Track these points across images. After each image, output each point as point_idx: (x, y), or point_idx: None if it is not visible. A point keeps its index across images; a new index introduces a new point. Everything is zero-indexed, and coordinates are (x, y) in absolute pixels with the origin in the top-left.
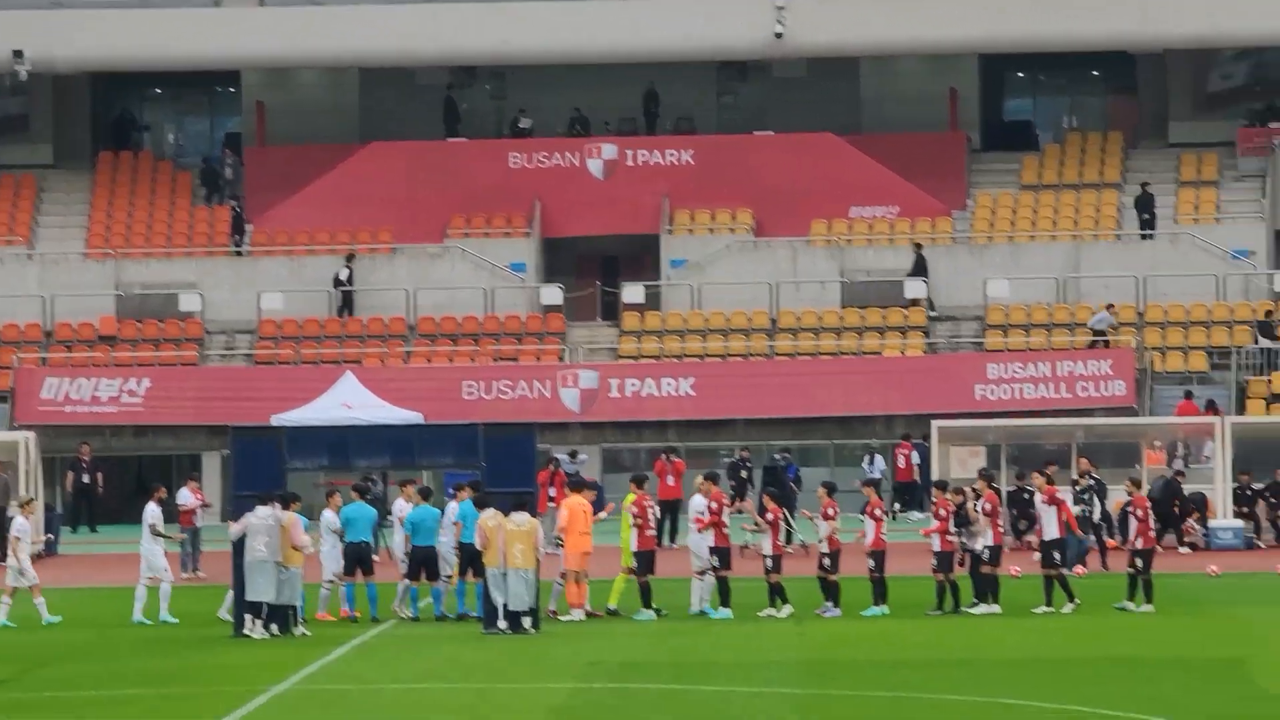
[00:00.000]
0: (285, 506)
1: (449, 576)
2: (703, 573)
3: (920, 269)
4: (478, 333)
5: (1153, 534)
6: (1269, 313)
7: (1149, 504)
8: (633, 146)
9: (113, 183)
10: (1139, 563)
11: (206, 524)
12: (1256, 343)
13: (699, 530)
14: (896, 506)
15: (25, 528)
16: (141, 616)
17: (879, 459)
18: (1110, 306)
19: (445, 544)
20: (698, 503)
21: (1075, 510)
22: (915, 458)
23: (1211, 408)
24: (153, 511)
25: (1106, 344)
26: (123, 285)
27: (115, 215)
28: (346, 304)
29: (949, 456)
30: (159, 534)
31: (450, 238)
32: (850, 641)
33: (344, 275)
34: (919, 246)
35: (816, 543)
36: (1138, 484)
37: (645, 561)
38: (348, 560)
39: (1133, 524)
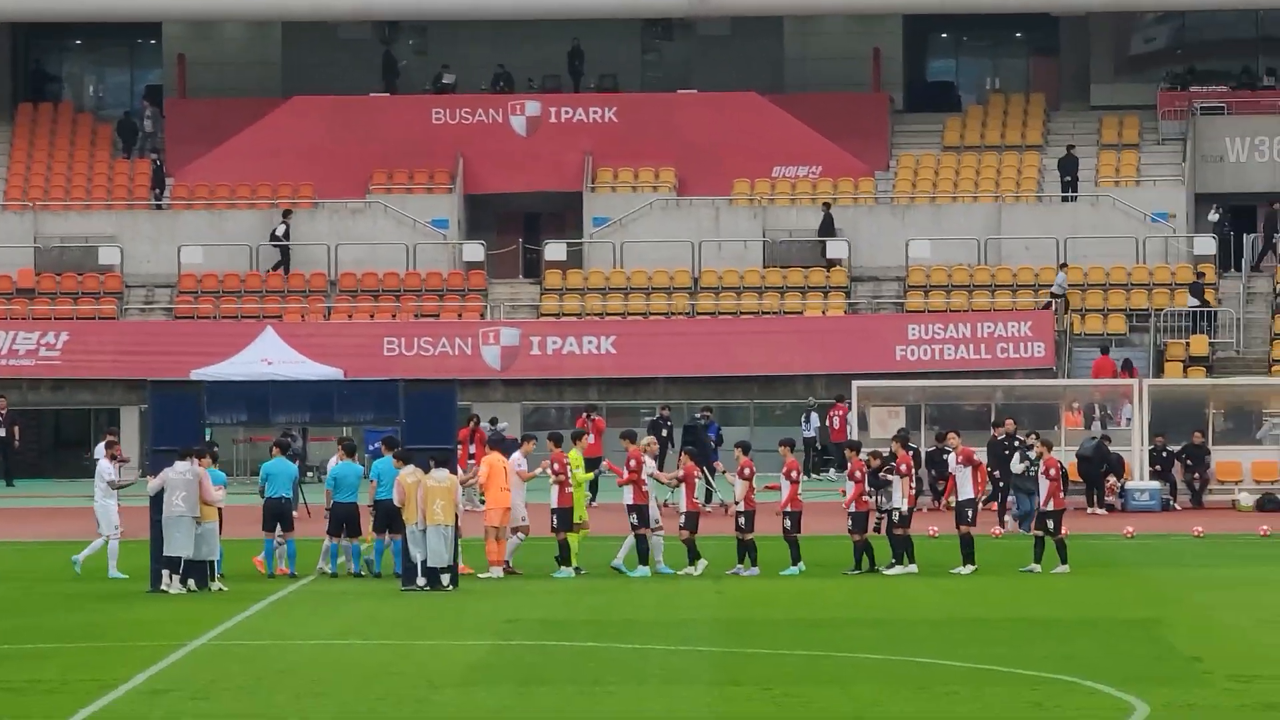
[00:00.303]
0: (201, 461)
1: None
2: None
3: (828, 228)
4: (399, 289)
5: (1063, 495)
6: (1201, 274)
7: (1060, 465)
8: (556, 104)
9: (32, 135)
10: (1049, 524)
11: (124, 479)
12: (1187, 304)
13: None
14: (832, 471)
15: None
16: (118, 572)
17: (814, 417)
18: (1064, 266)
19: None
20: (648, 464)
21: (1019, 468)
22: (852, 418)
23: (1128, 368)
24: (107, 467)
25: (1067, 305)
26: (41, 238)
27: (34, 168)
28: (284, 259)
29: (869, 417)
30: (117, 488)
31: (372, 193)
32: (767, 600)
33: (280, 231)
34: (827, 206)
35: (733, 502)
36: (1049, 445)
37: (564, 519)
38: (266, 516)
39: (1044, 485)
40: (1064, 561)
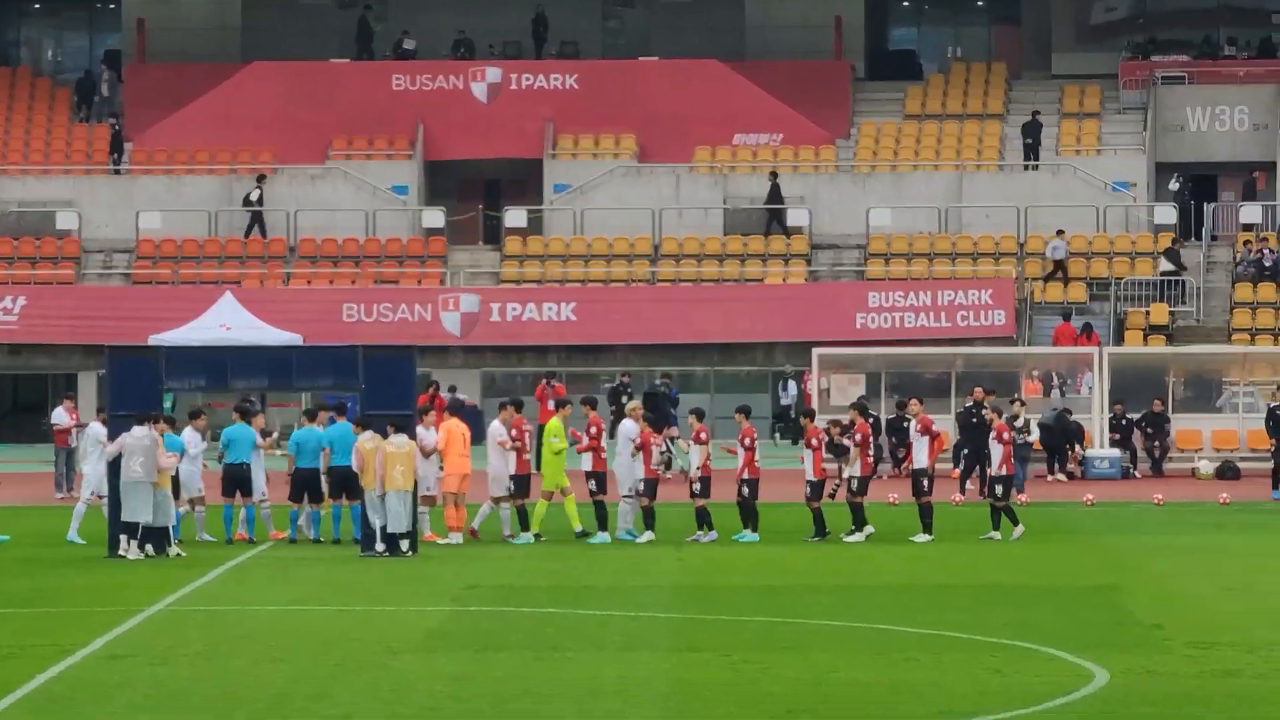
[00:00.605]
0: (155, 426)
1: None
2: (630, 496)
3: (775, 197)
4: (359, 255)
5: (1013, 461)
6: (1175, 240)
7: (1012, 431)
8: (517, 70)
9: None
10: (998, 490)
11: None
12: (1160, 268)
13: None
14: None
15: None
16: (76, 536)
17: (792, 385)
18: (1061, 233)
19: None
20: (629, 428)
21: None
22: (813, 386)
23: (1087, 331)
24: (100, 430)
25: (1065, 271)
26: None
27: None
28: (258, 224)
29: (829, 384)
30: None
31: (332, 159)
32: (727, 567)
33: (255, 196)
34: (774, 175)
35: (692, 469)
36: (999, 412)
37: (521, 485)
38: (226, 482)
39: (996, 450)
40: (1015, 523)
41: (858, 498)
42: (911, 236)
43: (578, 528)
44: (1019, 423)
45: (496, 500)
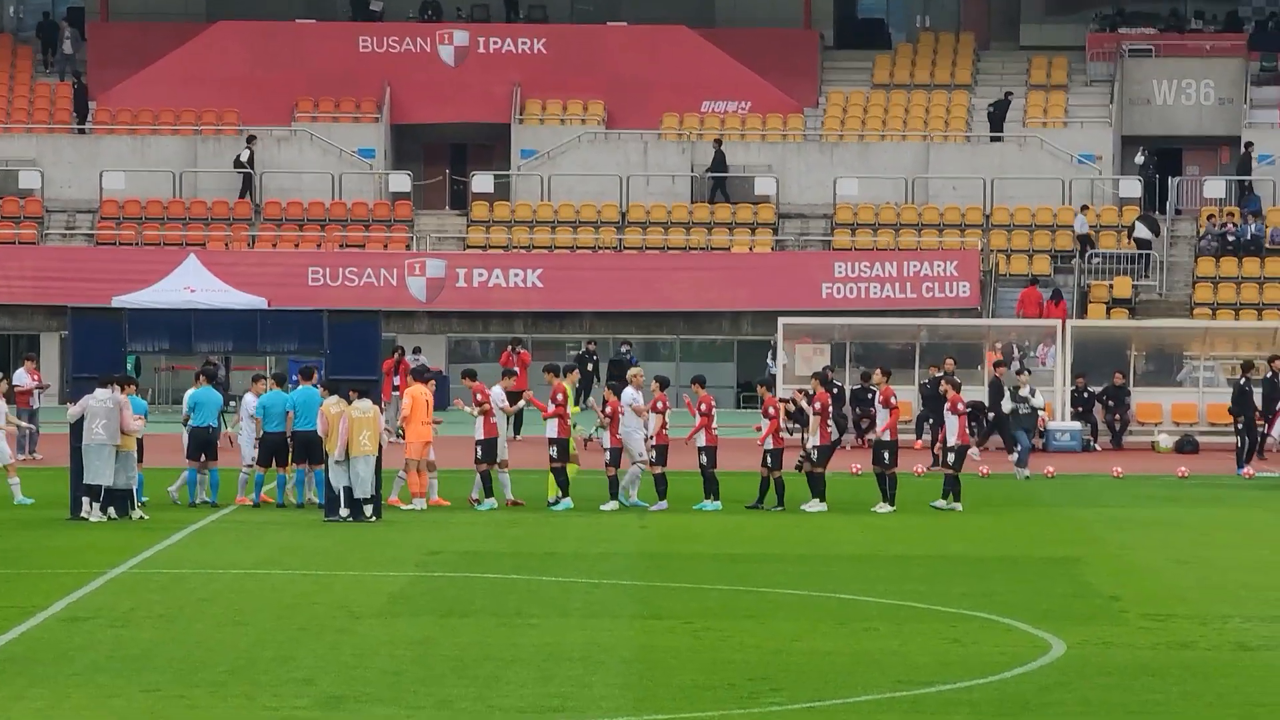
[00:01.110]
0: (123, 389)
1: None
2: (637, 463)
3: (719, 165)
4: (324, 219)
5: (967, 432)
6: (1152, 213)
7: (965, 403)
8: (485, 34)
9: None
10: (952, 458)
11: (45, 406)
12: (1136, 234)
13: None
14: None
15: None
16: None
17: (782, 354)
18: (1086, 208)
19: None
20: (629, 395)
21: (1009, 407)
22: (780, 356)
23: (1057, 298)
24: (251, 402)
25: (1092, 245)
26: None
27: None
28: (247, 186)
29: (794, 353)
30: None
31: (298, 121)
32: (690, 536)
33: (244, 157)
34: (719, 142)
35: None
36: (957, 385)
37: (489, 450)
38: (192, 445)
39: (952, 422)
40: (957, 499)
41: (817, 468)
42: (878, 207)
43: (551, 497)
44: (1024, 392)
45: (501, 464)
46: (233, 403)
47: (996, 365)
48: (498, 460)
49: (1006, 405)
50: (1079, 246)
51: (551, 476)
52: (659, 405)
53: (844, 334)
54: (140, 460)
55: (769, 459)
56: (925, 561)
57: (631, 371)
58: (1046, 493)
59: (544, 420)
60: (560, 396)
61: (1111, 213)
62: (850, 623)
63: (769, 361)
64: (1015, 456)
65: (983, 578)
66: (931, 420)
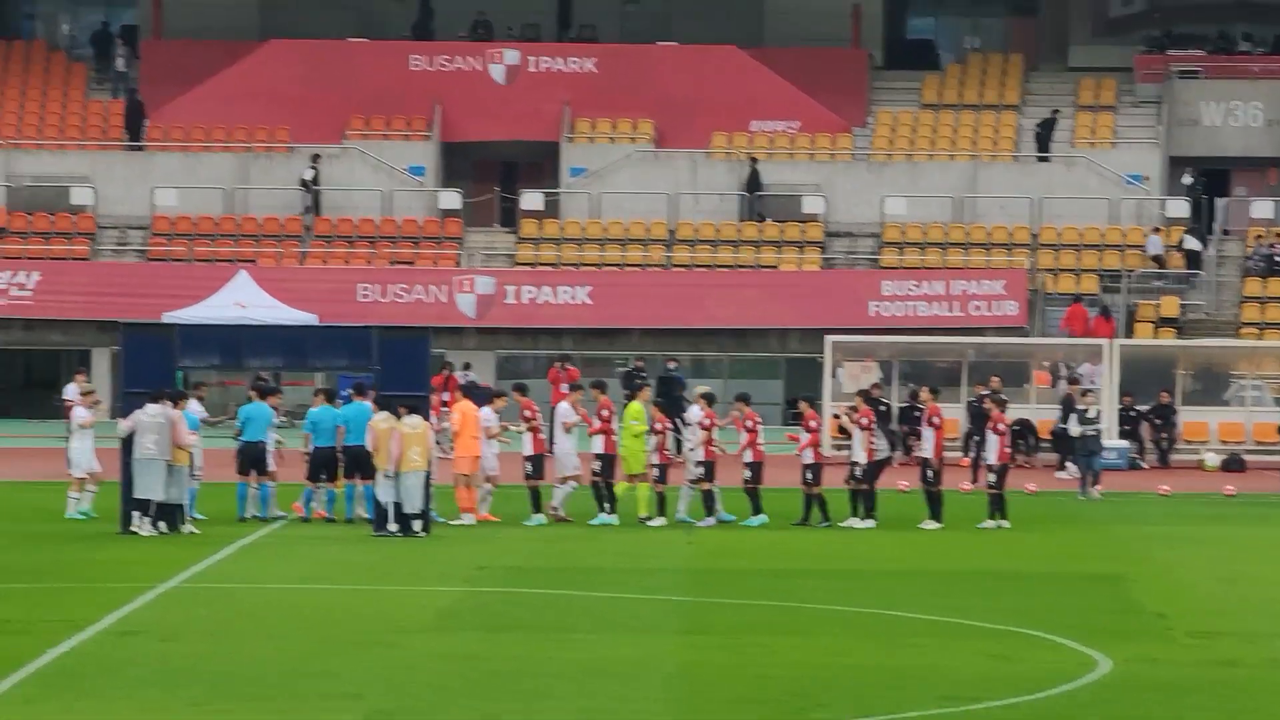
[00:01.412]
0: (175, 404)
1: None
2: (695, 481)
3: (754, 183)
4: (375, 235)
5: (1008, 450)
6: (1195, 227)
7: (1009, 421)
8: (535, 53)
9: (4, 71)
10: (993, 478)
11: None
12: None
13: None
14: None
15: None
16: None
17: (841, 372)
18: (1158, 230)
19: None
20: (694, 414)
21: (1076, 430)
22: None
23: (1106, 314)
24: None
25: (1163, 266)
26: (13, 177)
27: (6, 105)
28: (314, 203)
29: (841, 371)
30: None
31: (349, 139)
32: (736, 551)
33: (309, 176)
34: (754, 160)
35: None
36: (1000, 403)
37: (537, 466)
38: (242, 460)
39: (993, 440)
40: (1004, 516)
41: (863, 485)
42: (926, 226)
43: (643, 513)
44: (1090, 414)
45: (564, 479)
46: (283, 418)
47: (1070, 382)
48: (530, 475)
49: (1075, 429)
50: (1155, 267)
51: (644, 492)
52: (705, 422)
53: (891, 352)
54: (195, 473)
55: (808, 474)
56: (971, 577)
57: (700, 389)
58: (1093, 510)
59: (590, 436)
60: (605, 412)
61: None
62: (895, 638)
63: (832, 380)
64: (1065, 472)
65: (1029, 594)
66: (977, 438)
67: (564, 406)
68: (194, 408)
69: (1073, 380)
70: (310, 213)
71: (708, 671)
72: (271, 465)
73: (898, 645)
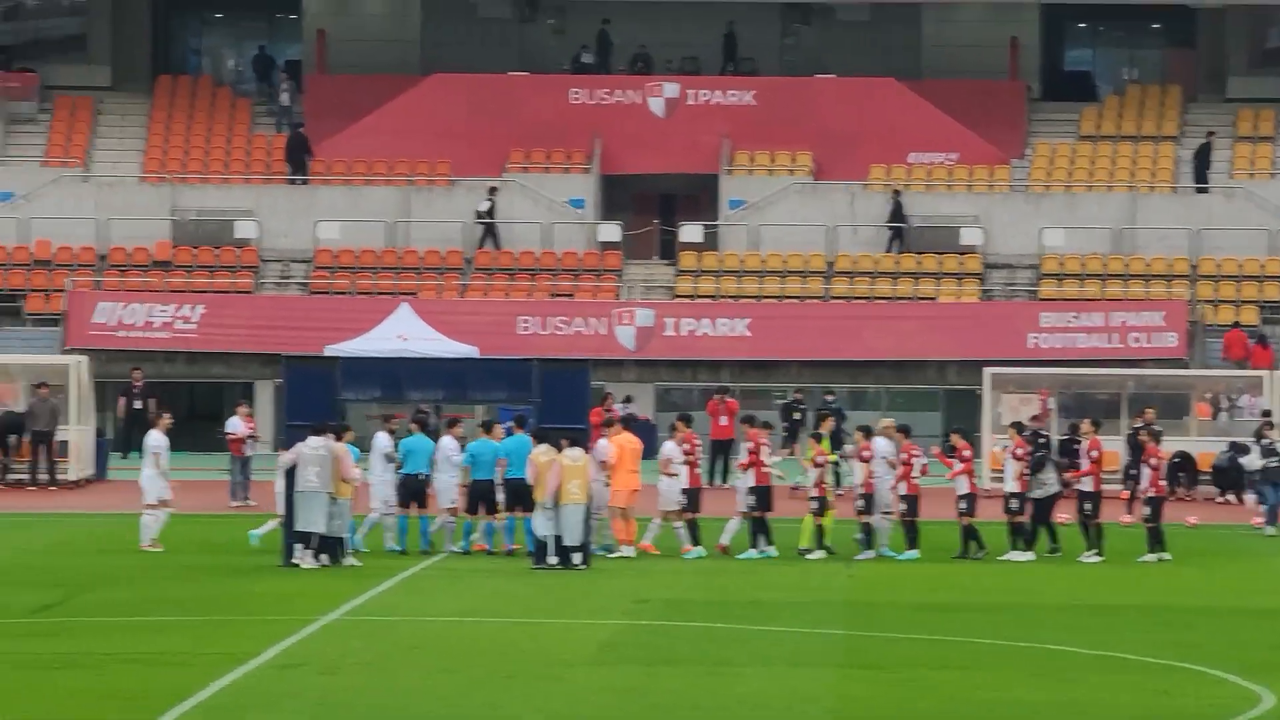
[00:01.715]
0: (338, 437)
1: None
2: (887, 513)
3: (898, 215)
4: (535, 268)
5: (1163, 483)
6: None
7: (1162, 454)
8: (694, 86)
9: (170, 107)
10: (1147, 511)
11: (257, 453)
12: None
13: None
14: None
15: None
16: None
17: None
18: None
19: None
20: (883, 447)
21: (1258, 464)
22: (986, 407)
23: (1264, 342)
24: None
25: None
26: (178, 210)
27: (172, 140)
28: (490, 235)
29: (1000, 403)
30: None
31: (509, 172)
32: (894, 584)
33: (484, 208)
34: (897, 193)
35: (853, 486)
36: (1154, 435)
37: (693, 499)
38: (403, 492)
39: (1146, 473)
40: (1163, 549)
41: (1017, 517)
42: (1084, 257)
43: (803, 545)
44: (1278, 445)
45: (665, 515)
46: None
47: (1265, 414)
48: (686, 508)
49: (1256, 462)
50: None
51: (806, 524)
52: (864, 455)
53: (1050, 384)
54: (353, 507)
55: (962, 504)
56: (1132, 611)
57: (884, 423)
58: (1255, 543)
59: (740, 471)
60: (753, 445)
61: None
62: (1054, 673)
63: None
64: (1246, 500)
65: (1191, 628)
66: (1134, 471)
67: (669, 446)
68: (447, 444)
69: (1265, 412)
70: (489, 240)
71: (867, 706)
72: (455, 501)
73: (1059, 680)
